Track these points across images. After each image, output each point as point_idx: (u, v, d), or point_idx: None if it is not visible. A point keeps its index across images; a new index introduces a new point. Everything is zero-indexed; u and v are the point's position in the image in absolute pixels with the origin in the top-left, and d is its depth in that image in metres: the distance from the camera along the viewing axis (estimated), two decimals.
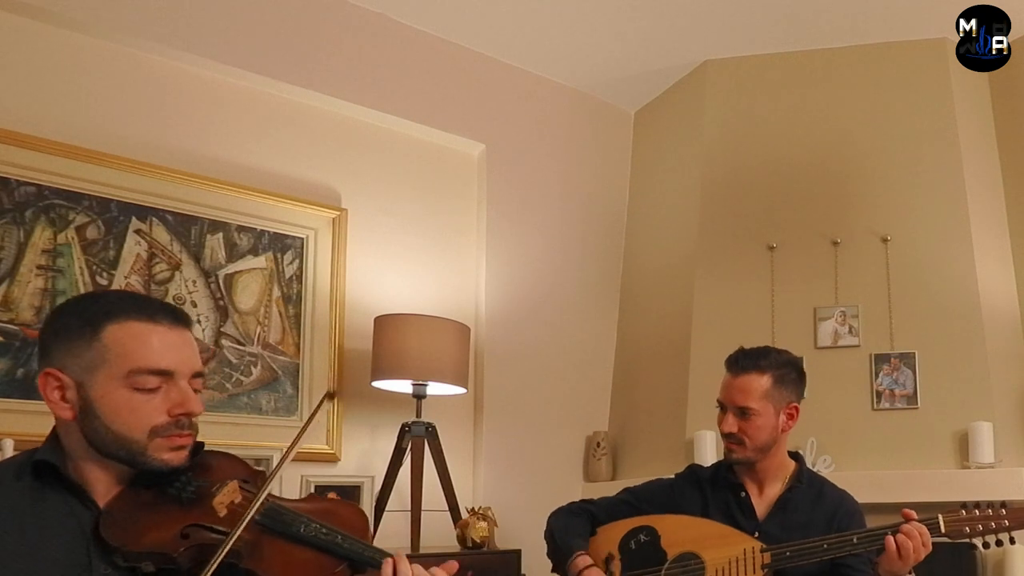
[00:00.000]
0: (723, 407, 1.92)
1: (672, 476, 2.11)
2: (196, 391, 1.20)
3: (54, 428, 1.18)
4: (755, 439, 1.86)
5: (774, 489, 1.92)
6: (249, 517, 1.12)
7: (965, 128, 3.21)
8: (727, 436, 1.90)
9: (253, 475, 1.28)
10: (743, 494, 1.92)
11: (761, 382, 1.87)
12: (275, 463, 2.64)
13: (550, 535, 1.97)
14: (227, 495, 1.17)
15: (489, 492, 3.18)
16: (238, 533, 1.10)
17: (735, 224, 3.37)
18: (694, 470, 2.08)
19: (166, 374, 1.14)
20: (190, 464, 1.20)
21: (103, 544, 1.09)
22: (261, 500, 1.15)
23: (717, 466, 2.02)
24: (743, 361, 1.90)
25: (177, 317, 1.19)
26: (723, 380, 1.94)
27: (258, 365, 2.77)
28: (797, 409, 1.93)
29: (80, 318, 1.13)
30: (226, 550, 1.08)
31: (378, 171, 3.15)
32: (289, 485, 2.71)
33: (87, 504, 1.14)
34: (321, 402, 1.31)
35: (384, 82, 3.14)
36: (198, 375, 1.20)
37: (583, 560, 1.86)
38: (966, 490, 2.68)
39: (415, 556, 2.58)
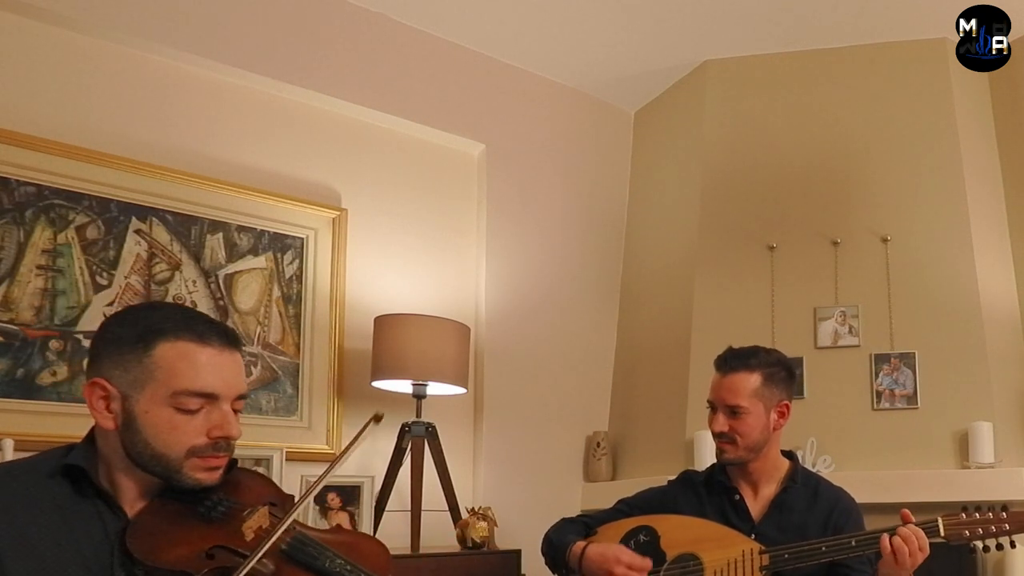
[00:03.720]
0: (713, 407, 1.91)
1: (666, 483, 2.11)
2: (237, 411, 1.21)
3: (92, 430, 1.19)
4: (746, 438, 1.86)
5: (769, 490, 1.92)
6: (270, 543, 1.11)
7: (965, 128, 3.21)
8: (718, 436, 1.89)
9: (282, 498, 1.28)
10: (737, 497, 1.92)
11: (750, 380, 1.87)
12: (274, 464, 2.64)
13: (547, 543, 1.96)
14: (257, 520, 1.17)
15: (489, 492, 3.18)
16: (258, 557, 1.09)
17: (735, 224, 3.37)
18: (688, 474, 2.08)
19: (210, 397, 1.16)
20: (222, 480, 1.20)
21: (127, 554, 1.10)
22: (285, 527, 1.15)
23: (711, 469, 2.02)
24: (732, 360, 1.90)
25: (228, 339, 1.20)
26: (712, 380, 1.93)
27: (258, 365, 2.77)
28: (788, 407, 1.92)
29: (134, 331, 1.14)
30: (244, 572, 1.07)
31: (378, 171, 3.15)
32: (289, 485, 2.71)
33: (115, 511, 1.15)
34: (367, 424, 1.27)
35: (384, 82, 3.14)
36: (241, 397, 1.22)
37: (579, 545, 1.86)
38: (966, 490, 2.68)
39: (415, 556, 2.59)
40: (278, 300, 2.85)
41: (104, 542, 1.12)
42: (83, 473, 1.14)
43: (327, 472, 1.24)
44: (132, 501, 1.16)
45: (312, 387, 2.86)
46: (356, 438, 1.25)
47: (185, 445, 1.14)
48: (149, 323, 1.15)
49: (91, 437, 1.20)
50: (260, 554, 1.09)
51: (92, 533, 1.12)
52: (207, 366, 1.15)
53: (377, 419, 1.26)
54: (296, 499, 1.25)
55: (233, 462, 1.25)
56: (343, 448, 1.26)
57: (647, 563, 1.79)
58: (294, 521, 1.21)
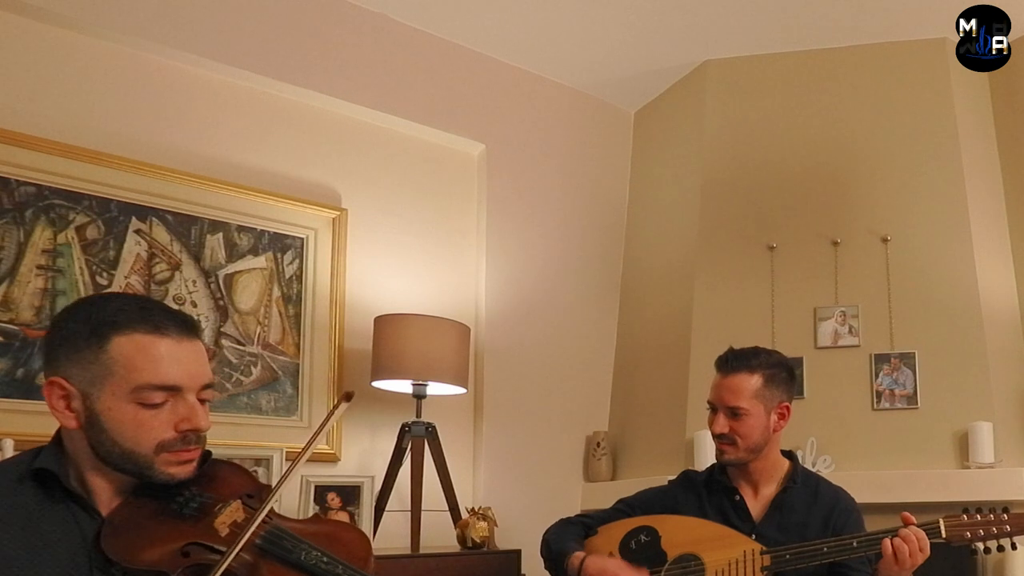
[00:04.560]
0: (713, 408, 1.91)
1: (666, 483, 2.11)
2: (205, 401, 1.17)
3: (58, 431, 1.16)
4: (747, 439, 1.86)
5: (769, 490, 1.92)
6: (246, 539, 1.10)
7: (965, 128, 3.21)
8: (718, 437, 1.89)
9: (258, 488, 1.25)
10: (737, 497, 1.92)
11: (751, 382, 1.86)
12: (274, 464, 2.64)
13: (546, 547, 1.96)
14: (229, 515, 1.15)
15: (489, 492, 3.18)
16: (234, 553, 1.08)
17: (735, 224, 3.37)
18: (688, 474, 2.08)
19: (173, 389, 1.12)
20: (196, 474, 1.18)
21: (102, 555, 1.08)
22: (259, 521, 1.13)
23: (711, 469, 2.02)
24: (733, 361, 1.90)
25: (186, 327, 1.15)
26: (713, 381, 1.93)
27: (258, 365, 2.77)
28: (788, 409, 1.92)
29: (87, 326, 1.10)
30: (221, 570, 1.06)
31: (378, 171, 3.15)
32: (289, 485, 2.70)
33: (89, 512, 1.12)
34: (338, 404, 1.25)
35: (384, 82, 3.14)
36: (207, 386, 1.17)
37: (578, 555, 1.85)
38: (966, 490, 2.68)
39: (415, 556, 2.59)
40: (278, 300, 2.85)
41: (80, 545, 1.09)
42: (53, 476, 1.11)
43: (302, 455, 1.19)
44: (107, 501, 1.13)
45: (312, 387, 2.86)
46: (328, 418, 1.22)
47: (153, 441, 1.10)
48: (101, 316, 1.10)
49: (59, 438, 1.15)
50: (235, 551, 1.08)
51: (67, 537, 1.09)
52: (166, 358, 1.10)
53: (348, 397, 1.22)
54: (272, 487, 1.22)
55: (207, 454, 1.22)
56: (309, 441, 1.21)
57: None
58: (270, 512, 1.18)
